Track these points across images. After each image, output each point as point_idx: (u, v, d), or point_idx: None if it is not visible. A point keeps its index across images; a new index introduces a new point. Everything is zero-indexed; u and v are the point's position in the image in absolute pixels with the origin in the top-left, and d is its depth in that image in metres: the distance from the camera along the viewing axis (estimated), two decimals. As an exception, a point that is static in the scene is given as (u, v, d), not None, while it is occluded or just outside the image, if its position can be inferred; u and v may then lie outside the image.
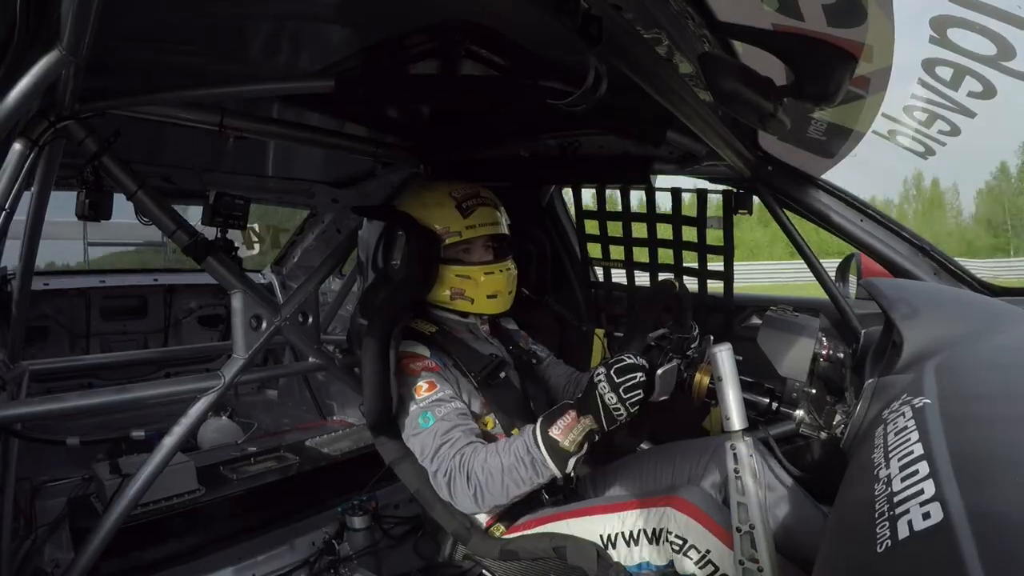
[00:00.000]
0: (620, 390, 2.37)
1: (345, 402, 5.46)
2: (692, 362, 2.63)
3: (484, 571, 2.80)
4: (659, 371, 2.50)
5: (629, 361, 2.41)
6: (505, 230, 3.14)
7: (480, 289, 3.03)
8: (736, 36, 1.86)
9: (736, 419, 2.06)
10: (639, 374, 2.39)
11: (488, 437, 2.84)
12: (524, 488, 2.51)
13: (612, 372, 2.39)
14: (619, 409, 2.38)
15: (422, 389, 2.74)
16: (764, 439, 2.68)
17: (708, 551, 2.33)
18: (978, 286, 3.01)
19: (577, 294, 4.50)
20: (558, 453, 2.45)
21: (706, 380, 2.55)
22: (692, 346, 2.71)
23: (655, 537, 2.44)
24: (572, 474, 2.78)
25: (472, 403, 2.88)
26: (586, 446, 2.46)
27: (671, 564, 2.42)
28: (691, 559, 2.35)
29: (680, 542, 2.37)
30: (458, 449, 2.59)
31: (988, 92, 1.93)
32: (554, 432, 2.45)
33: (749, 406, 2.21)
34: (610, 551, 2.54)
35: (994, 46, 1.65)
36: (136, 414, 4.72)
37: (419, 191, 3.09)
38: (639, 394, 2.40)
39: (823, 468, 2.49)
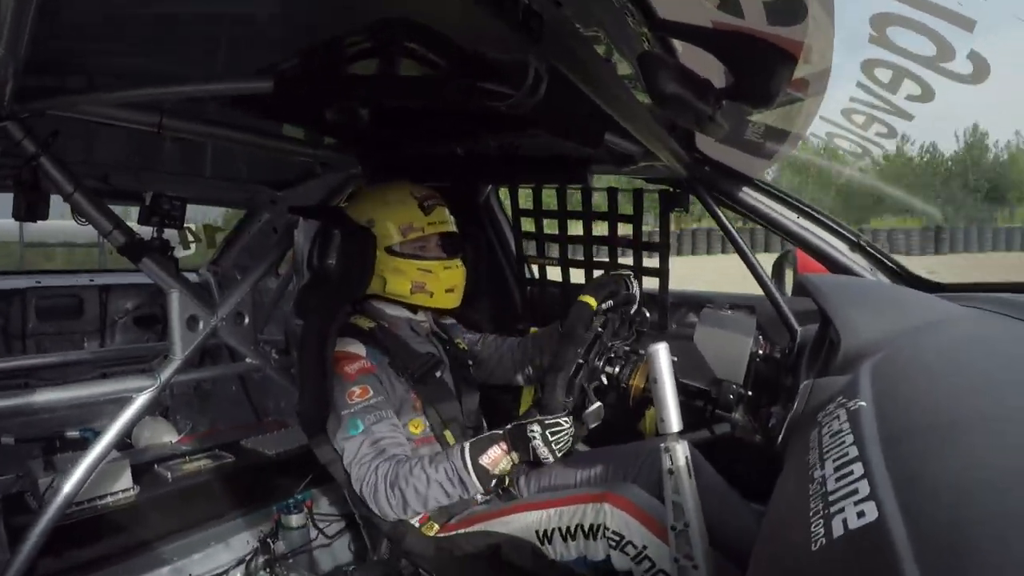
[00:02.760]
0: (551, 445, 2.47)
1: (281, 402, 5.44)
2: (628, 363, 2.64)
3: (420, 570, 2.83)
4: (586, 411, 2.55)
5: (563, 425, 2.48)
6: (456, 229, 3.20)
7: (440, 283, 3.10)
8: (676, 34, 1.87)
9: (672, 421, 2.12)
10: (568, 432, 2.48)
11: (415, 439, 2.91)
12: (446, 501, 2.59)
13: (547, 432, 2.48)
14: (548, 457, 2.49)
15: (354, 394, 2.76)
16: (700, 441, 2.71)
17: (645, 547, 2.38)
18: (916, 282, 3.04)
19: (513, 292, 4.55)
20: (486, 478, 2.58)
21: (642, 383, 2.57)
22: (627, 346, 2.74)
23: (592, 532, 2.48)
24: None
25: (403, 404, 2.92)
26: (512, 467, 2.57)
27: (608, 559, 2.47)
28: (628, 555, 2.41)
29: (617, 538, 2.43)
30: (385, 460, 2.62)
31: (927, 95, 1.94)
32: (484, 461, 2.56)
33: (685, 408, 2.22)
34: (546, 547, 2.58)
35: (934, 46, 1.67)
36: (72, 414, 4.68)
37: (381, 191, 3.16)
38: (568, 443, 2.52)
39: (758, 469, 2.50)
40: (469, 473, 2.53)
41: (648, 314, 2.99)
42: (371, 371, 2.85)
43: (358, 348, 2.91)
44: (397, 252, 3.06)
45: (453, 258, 3.21)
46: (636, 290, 2.97)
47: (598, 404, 2.58)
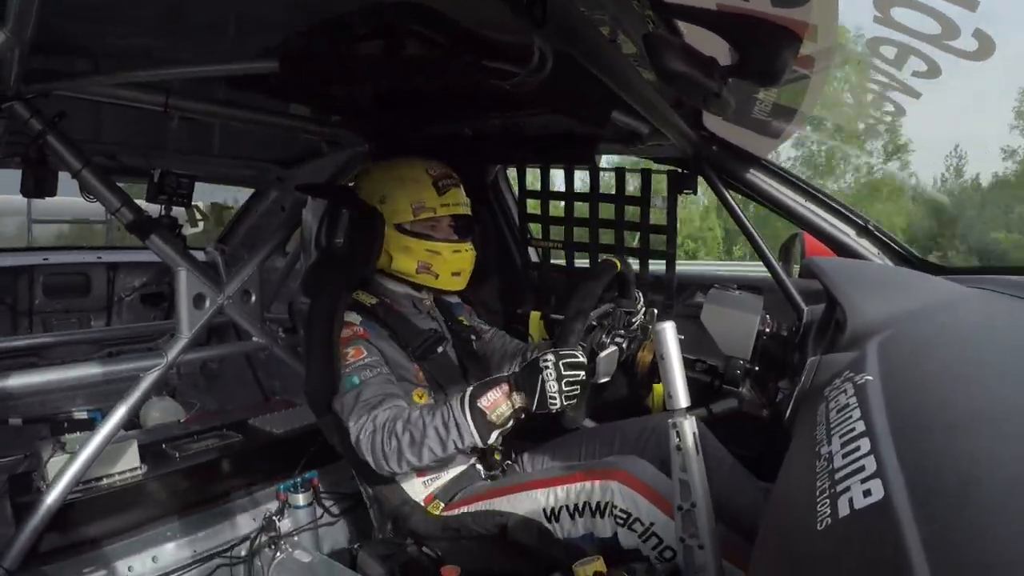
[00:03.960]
0: (563, 382, 2.39)
1: (288, 381, 5.45)
2: (635, 339, 2.65)
3: (425, 548, 2.82)
4: (601, 355, 2.54)
5: (579, 359, 2.42)
6: (470, 212, 3.17)
7: (447, 265, 3.07)
8: (680, 16, 1.86)
9: (679, 397, 2.08)
10: (582, 372, 2.42)
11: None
12: (441, 452, 2.51)
13: (560, 363, 2.40)
14: (555, 399, 2.41)
15: (348, 355, 2.76)
16: (707, 416, 2.71)
17: (652, 524, 2.36)
18: (921, 265, 3.03)
19: (518, 274, 4.53)
20: (483, 424, 2.46)
21: (649, 357, 2.58)
22: (636, 321, 2.74)
23: (599, 510, 2.47)
24: (495, 446, 2.87)
25: (406, 374, 2.90)
26: (511, 423, 2.49)
27: (615, 536, 2.45)
28: (635, 532, 2.39)
29: (624, 515, 2.41)
30: (382, 409, 2.60)
31: (932, 71, 1.94)
32: (483, 403, 2.46)
33: (692, 383, 2.19)
34: (553, 524, 2.56)
35: (938, 25, 1.66)
36: (79, 393, 4.70)
37: (395, 166, 3.11)
38: (577, 389, 2.43)
39: (766, 445, 2.51)
40: (465, 416, 2.46)
41: (648, 316, 2.96)
42: (364, 335, 2.84)
43: (353, 317, 2.89)
44: (407, 230, 3.02)
45: (463, 241, 3.15)
46: (639, 299, 2.93)
47: (613, 349, 2.59)
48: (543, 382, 2.40)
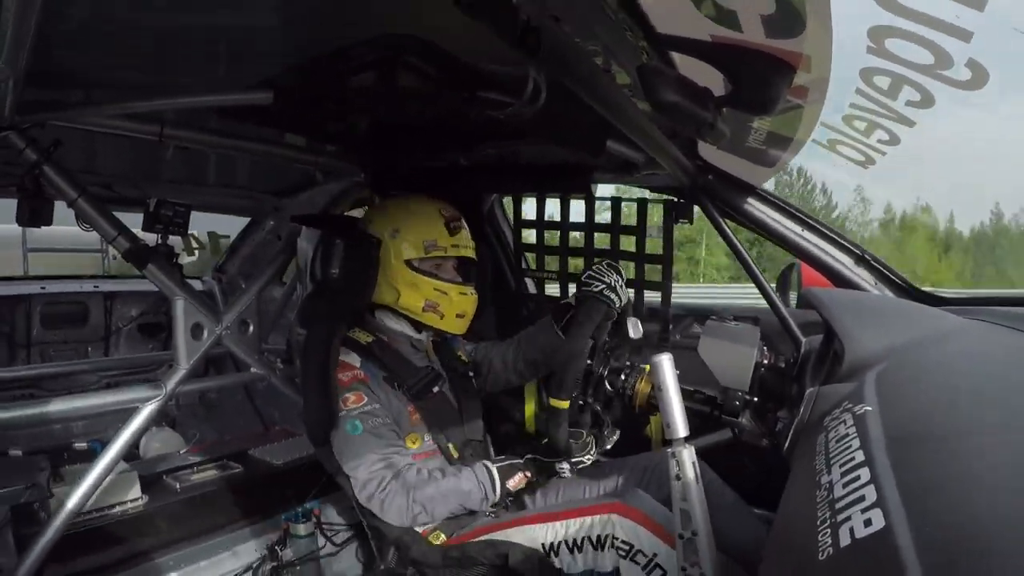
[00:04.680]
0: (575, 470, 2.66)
1: (287, 411, 5.38)
2: (632, 371, 2.64)
3: None
4: (606, 441, 2.70)
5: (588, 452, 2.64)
6: (475, 256, 3.18)
7: (452, 307, 3.09)
8: (675, 47, 1.87)
9: (678, 427, 2.11)
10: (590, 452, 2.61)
11: (413, 455, 2.90)
12: (460, 510, 2.71)
13: (575, 467, 2.66)
14: (568, 476, 2.67)
15: (349, 400, 2.79)
16: (706, 447, 2.70)
17: (655, 555, 2.38)
18: (919, 296, 3.03)
19: (515, 305, 4.51)
20: (504, 495, 2.73)
21: (647, 389, 2.56)
22: (629, 357, 2.74)
23: (600, 544, 2.47)
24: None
25: (400, 418, 2.90)
26: None
27: (617, 570, 2.45)
28: (638, 564, 2.40)
29: (627, 547, 2.42)
30: (401, 470, 2.66)
31: (926, 101, 1.94)
32: (510, 484, 2.70)
33: (691, 414, 2.21)
34: (552, 559, 2.56)
35: (931, 55, 1.67)
36: (78, 424, 4.68)
37: (408, 203, 3.15)
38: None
39: (765, 475, 2.50)
40: (496, 493, 2.66)
41: (636, 332, 2.95)
42: (364, 380, 2.85)
43: (352, 359, 2.90)
44: (415, 267, 3.03)
45: (468, 284, 3.18)
46: (620, 295, 2.83)
47: (617, 432, 2.68)
48: (559, 473, 2.69)
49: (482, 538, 2.73)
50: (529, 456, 2.71)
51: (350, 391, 2.79)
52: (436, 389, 3.04)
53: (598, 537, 2.49)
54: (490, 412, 3.41)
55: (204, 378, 5.00)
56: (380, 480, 2.62)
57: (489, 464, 2.70)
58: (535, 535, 2.63)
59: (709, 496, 2.16)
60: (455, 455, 2.98)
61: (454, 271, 3.14)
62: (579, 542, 2.52)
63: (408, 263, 3.02)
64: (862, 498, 1.09)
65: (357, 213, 3.80)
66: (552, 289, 4.35)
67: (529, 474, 2.65)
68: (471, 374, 3.39)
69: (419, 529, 2.83)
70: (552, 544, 2.57)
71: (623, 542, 2.43)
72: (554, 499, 3.08)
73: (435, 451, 2.98)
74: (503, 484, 2.61)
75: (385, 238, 3.00)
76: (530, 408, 3.70)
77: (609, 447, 2.69)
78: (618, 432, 2.72)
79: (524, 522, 2.71)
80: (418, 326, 3.15)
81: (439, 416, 3.02)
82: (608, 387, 2.69)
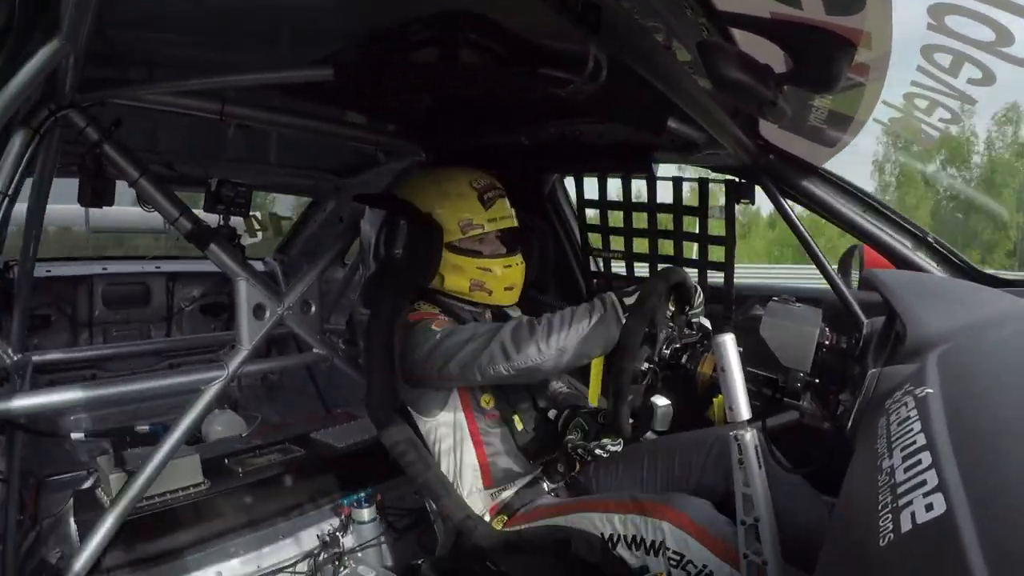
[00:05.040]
0: None
1: (350, 393, 5.31)
2: (696, 352, 2.63)
3: (488, 563, 2.78)
4: (656, 417, 2.55)
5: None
6: (516, 223, 3.13)
7: (499, 281, 3.03)
8: (734, 24, 1.86)
9: (741, 409, 2.09)
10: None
11: (487, 414, 2.92)
12: (588, 326, 2.51)
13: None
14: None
15: (440, 323, 2.76)
16: (768, 429, 2.69)
17: (705, 566, 2.34)
18: (981, 278, 2.99)
19: (580, 285, 4.50)
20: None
21: (709, 370, 2.55)
22: (694, 336, 2.71)
23: (653, 548, 2.45)
24: (558, 458, 2.91)
25: None
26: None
27: (669, 574, 2.43)
28: (689, 573, 2.37)
29: (677, 557, 2.38)
30: (498, 324, 2.62)
31: (987, 78, 1.92)
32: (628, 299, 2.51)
33: (752, 396, 2.21)
34: (611, 549, 2.54)
35: (992, 32, 1.65)
36: (140, 406, 4.72)
37: (438, 181, 3.07)
38: None
39: (827, 459, 2.48)
40: (616, 303, 2.50)
41: (708, 325, 2.93)
42: (453, 324, 2.82)
43: (434, 309, 2.93)
44: (456, 248, 2.95)
45: (513, 255, 3.09)
46: (700, 299, 2.82)
47: (667, 404, 2.56)
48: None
49: (541, 522, 2.73)
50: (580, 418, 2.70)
51: (438, 320, 2.79)
52: None
53: (652, 542, 2.47)
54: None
55: (266, 359, 5.02)
56: (508, 329, 2.54)
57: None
58: (594, 523, 2.61)
59: (772, 480, 2.15)
60: (520, 427, 2.94)
61: (497, 242, 3.07)
62: (636, 539, 2.50)
63: (448, 245, 2.94)
64: (923, 482, 1.09)
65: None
66: (618, 268, 4.31)
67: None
68: None
69: (483, 508, 2.85)
70: (611, 536, 2.56)
71: (674, 552, 2.40)
72: (614, 478, 3.05)
73: (498, 417, 2.96)
74: (621, 299, 2.50)
75: None
76: (595, 384, 3.71)
77: (660, 428, 2.66)
78: (668, 405, 2.69)
79: (583, 508, 2.69)
80: (472, 303, 3.11)
81: (507, 387, 2.98)
82: (670, 369, 2.67)
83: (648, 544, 2.46)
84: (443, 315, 2.88)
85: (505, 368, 2.49)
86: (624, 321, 2.45)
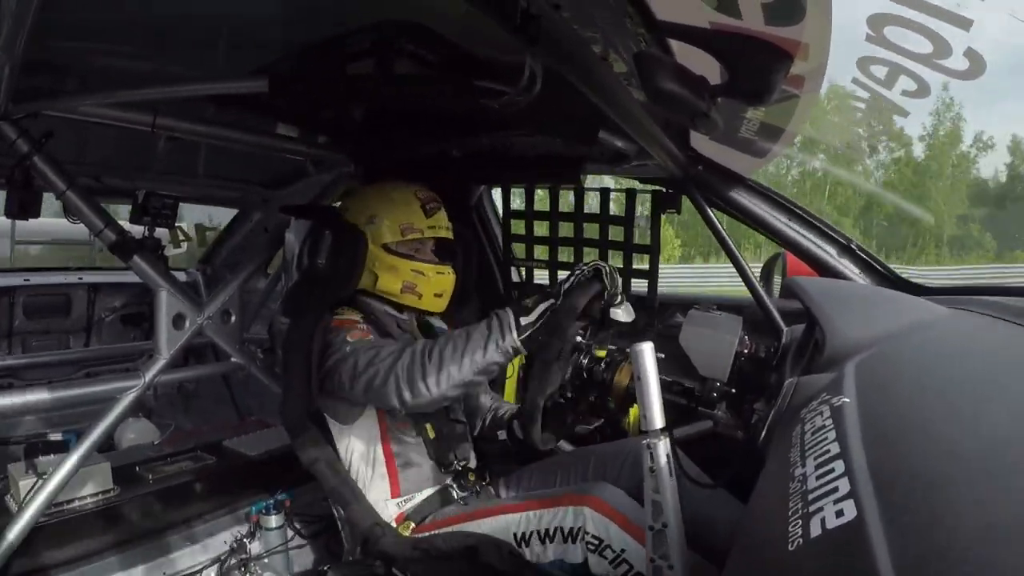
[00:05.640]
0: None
1: (264, 402, 5.42)
2: (613, 361, 2.65)
3: (395, 570, 2.80)
4: (616, 311, 2.51)
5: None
6: (452, 236, 3.17)
7: (430, 286, 3.07)
8: (673, 35, 1.88)
9: (655, 418, 2.09)
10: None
11: (398, 423, 2.93)
12: (482, 357, 2.46)
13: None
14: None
15: (356, 334, 2.74)
16: (682, 438, 2.71)
17: (623, 550, 2.38)
18: (904, 286, 3.06)
19: (500, 296, 4.54)
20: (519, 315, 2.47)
21: (626, 380, 2.57)
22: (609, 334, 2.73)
23: (570, 536, 2.48)
24: (468, 467, 3.01)
25: None
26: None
27: (585, 563, 2.46)
28: (606, 558, 2.40)
29: (596, 541, 2.42)
30: (404, 346, 2.58)
31: (922, 91, 1.96)
32: (525, 320, 2.45)
33: (668, 405, 2.20)
34: (523, 548, 2.58)
35: (931, 44, 1.68)
36: (54, 415, 4.68)
37: (385, 189, 3.11)
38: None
39: (740, 467, 2.52)
40: (510, 326, 2.44)
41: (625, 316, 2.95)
42: (367, 331, 2.83)
43: (356, 316, 2.92)
44: (392, 250, 3.00)
45: (445, 264, 3.15)
46: (611, 283, 2.86)
47: (626, 303, 2.54)
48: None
49: (450, 528, 2.75)
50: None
51: (355, 329, 2.78)
52: None
53: (569, 529, 2.50)
54: (467, 398, 3.39)
55: (183, 368, 4.94)
56: (407, 356, 2.52)
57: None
58: (506, 524, 2.65)
59: (684, 488, 2.17)
60: (432, 435, 2.98)
61: (431, 252, 3.13)
62: (550, 532, 2.53)
63: (385, 247, 2.99)
64: (835, 489, 1.10)
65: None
66: (541, 278, 4.36)
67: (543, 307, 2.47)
68: None
69: (391, 515, 2.87)
70: (524, 533, 2.59)
71: (593, 536, 2.43)
72: (526, 488, 3.10)
73: (410, 425, 2.98)
74: (517, 321, 2.45)
75: (362, 225, 3.00)
76: (508, 396, 3.71)
77: (580, 432, 2.67)
78: (598, 421, 2.70)
79: (494, 512, 2.73)
80: (399, 307, 3.15)
81: None
82: (586, 376, 2.69)
83: (565, 532, 2.49)
84: (364, 323, 2.89)
85: (399, 402, 2.50)
86: (521, 347, 2.46)
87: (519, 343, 2.44)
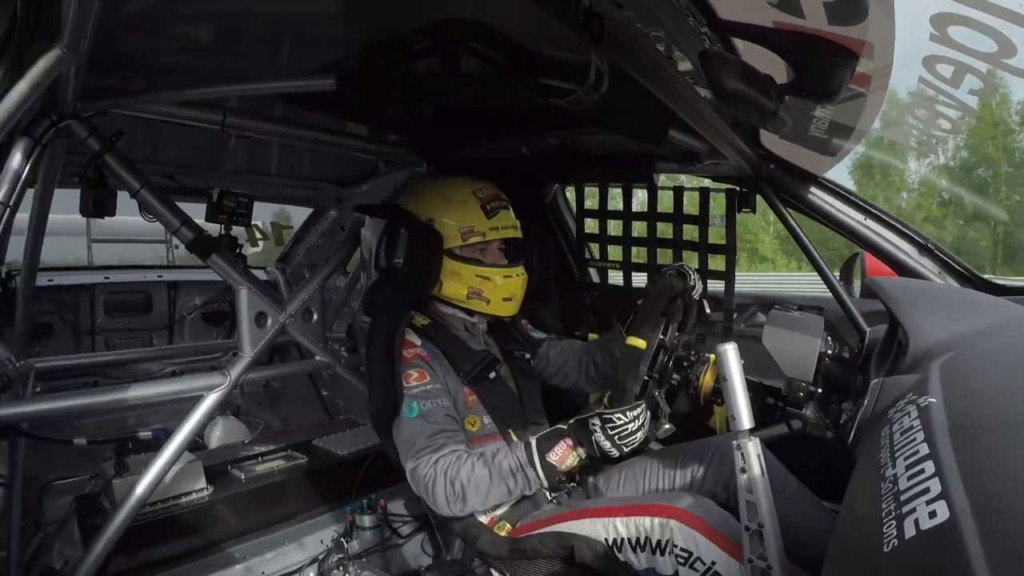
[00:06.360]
0: (613, 439, 2.44)
1: (351, 400, 5.43)
2: (697, 361, 2.62)
3: (492, 570, 2.79)
4: (659, 429, 2.57)
5: (624, 420, 2.43)
6: (520, 234, 3.12)
7: (498, 291, 3.02)
8: (737, 34, 1.85)
9: (743, 419, 2.08)
10: (631, 424, 2.43)
11: (472, 438, 2.87)
12: (508, 499, 2.61)
13: (607, 427, 2.45)
14: (613, 452, 2.47)
15: (411, 377, 2.74)
16: (771, 438, 2.68)
17: (714, 563, 2.32)
18: (983, 285, 2.99)
19: (579, 295, 4.49)
20: (552, 473, 2.55)
21: (711, 380, 2.54)
22: (692, 351, 2.69)
23: (659, 548, 2.43)
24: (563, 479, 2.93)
25: (457, 401, 2.86)
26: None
27: (676, 574, 2.41)
28: (697, 571, 2.35)
29: (685, 555, 2.36)
30: (443, 455, 2.59)
31: (989, 89, 1.92)
32: (552, 458, 2.52)
33: (755, 405, 2.19)
34: (616, 554, 2.52)
35: (995, 43, 1.65)
36: (142, 413, 4.73)
37: (441, 188, 3.07)
38: (635, 440, 2.47)
39: (830, 468, 2.47)
40: (536, 469, 2.51)
41: (708, 308, 2.92)
42: (425, 358, 2.82)
43: (413, 337, 2.89)
44: (456, 255, 2.97)
45: (514, 266, 3.10)
46: (695, 282, 2.87)
47: (670, 426, 2.57)
48: (596, 443, 2.46)
49: (545, 530, 2.70)
50: (573, 421, 2.59)
51: (412, 368, 2.77)
52: (493, 375, 3.01)
53: (658, 541, 2.44)
54: (548, 396, 3.35)
55: (268, 366, 5.02)
56: (431, 472, 2.57)
57: (530, 440, 2.60)
58: (597, 529, 2.59)
59: (774, 488, 2.14)
60: (515, 439, 2.92)
61: (499, 253, 3.08)
62: (641, 542, 2.48)
63: (448, 252, 2.95)
64: (927, 490, 1.09)
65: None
66: (616, 278, 4.29)
67: (571, 441, 2.52)
68: (528, 356, 3.35)
69: (484, 519, 2.81)
70: (615, 540, 2.54)
71: (682, 549, 2.37)
72: (616, 488, 3.06)
73: (496, 434, 2.94)
74: (543, 457, 2.51)
75: None
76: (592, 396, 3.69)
77: (660, 437, 2.65)
78: (672, 427, 2.68)
79: (586, 514, 2.67)
80: (469, 311, 3.10)
81: (497, 400, 2.99)
82: (674, 381, 2.65)
83: (655, 544, 2.44)
84: (422, 351, 2.86)
85: (446, 510, 2.60)
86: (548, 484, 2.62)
87: (548, 487, 2.62)
